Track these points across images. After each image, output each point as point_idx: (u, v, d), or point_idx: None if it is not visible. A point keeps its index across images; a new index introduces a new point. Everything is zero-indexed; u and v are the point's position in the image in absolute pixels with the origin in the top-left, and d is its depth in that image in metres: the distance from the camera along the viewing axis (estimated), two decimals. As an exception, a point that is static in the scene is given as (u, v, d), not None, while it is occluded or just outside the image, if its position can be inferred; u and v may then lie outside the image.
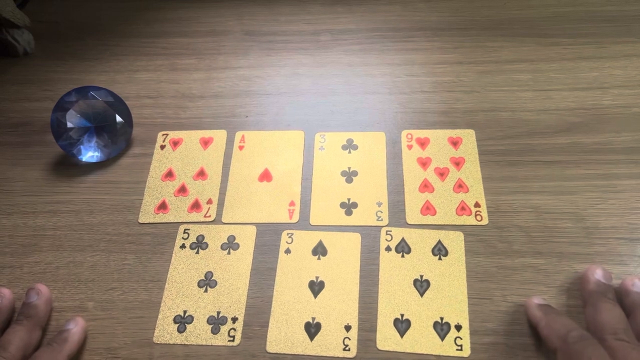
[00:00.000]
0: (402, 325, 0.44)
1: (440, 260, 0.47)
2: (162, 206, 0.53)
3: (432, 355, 0.43)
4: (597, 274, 0.43)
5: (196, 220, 0.51)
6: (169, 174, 0.55)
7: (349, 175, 0.53)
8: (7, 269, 0.49)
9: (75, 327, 0.44)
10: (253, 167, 0.55)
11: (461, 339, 0.43)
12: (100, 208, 0.53)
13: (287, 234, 0.50)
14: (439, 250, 0.48)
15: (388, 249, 0.48)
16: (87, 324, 0.45)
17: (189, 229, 0.51)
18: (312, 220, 0.51)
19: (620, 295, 0.43)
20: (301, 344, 0.44)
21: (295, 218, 0.51)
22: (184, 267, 0.49)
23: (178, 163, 0.56)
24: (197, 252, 0.49)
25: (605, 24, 0.63)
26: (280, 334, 0.44)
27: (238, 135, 0.57)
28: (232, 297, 0.47)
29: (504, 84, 0.59)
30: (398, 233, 0.49)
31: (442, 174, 0.53)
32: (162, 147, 0.57)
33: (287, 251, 0.49)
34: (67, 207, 0.53)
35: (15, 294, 0.47)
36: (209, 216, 0.52)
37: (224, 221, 0.51)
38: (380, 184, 0.52)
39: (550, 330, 0.40)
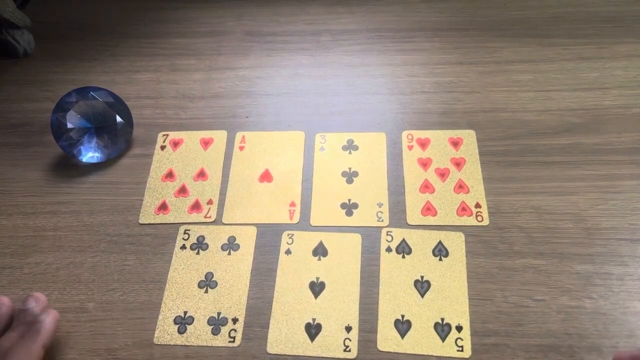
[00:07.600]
0: (402, 326, 0.44)
1: (440, 261, 0.47)
2: (163, 207, 0.52)
3: (433, 356, 0.42)
4: None
5: (196, 221, 0.51)
6: (170, 175, 0.55)
7: (350, 176, 0.53)
8: (7, 270, 0.49)
9: (47, 317, 0.42)
10: (253, 167, 0.55)
11: (462, 339, 0.43)
12: (100, 209, 0.53)
13: (288, 234, 0.50)
14: (440, 251, 0.48)
15: (389, 249, 0.48)
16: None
17: (189, 230, 0.51)
18: (313, 221, 0.51)
19: None
20: (302, 344, 0.44)
21: (296, 219, 0.51)
22: (184, 267, 0.49)
23: (178, 164, 0.56)
24: (198, 253, 0.49)
25: (605, 24, 0.63)
26: (280, 334, 0.44)
27: (238, 135, 0.57)
28: (233, 298, 0.46)
29: (504, 85, 0.59)
30: (399, 234, 0.49)
31: (442, 174, 0.53)
32: (163, 147, 0.57)
33: (288, 252, 0.49)
34: (67, 207, 0.53)
35: (15, 294, 0.47)
36: (210, 217, 0.52)
37: (224, 222, 0.51)
38: (381, 184, 0.52)
39: None
